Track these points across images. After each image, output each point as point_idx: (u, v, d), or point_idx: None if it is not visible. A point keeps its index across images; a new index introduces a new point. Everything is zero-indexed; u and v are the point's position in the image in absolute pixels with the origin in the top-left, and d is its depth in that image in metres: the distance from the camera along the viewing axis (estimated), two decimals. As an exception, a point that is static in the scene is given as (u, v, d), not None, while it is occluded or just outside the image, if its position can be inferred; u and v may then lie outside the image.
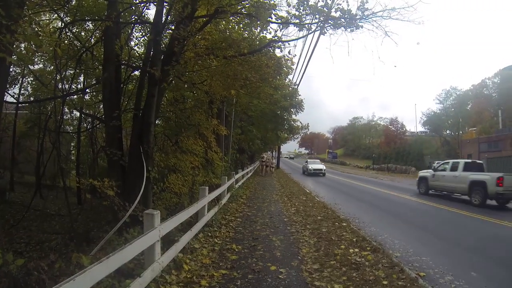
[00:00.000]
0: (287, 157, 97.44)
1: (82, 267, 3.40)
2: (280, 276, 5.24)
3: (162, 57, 7.63)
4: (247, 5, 8.28)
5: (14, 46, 5.24)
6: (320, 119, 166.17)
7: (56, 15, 10.57)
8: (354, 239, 7.61)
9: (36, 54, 11.49)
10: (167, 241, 5.43)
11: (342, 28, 7.86)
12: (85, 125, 16.67)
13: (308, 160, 41.56)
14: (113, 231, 5.48)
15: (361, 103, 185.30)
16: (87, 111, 14.83)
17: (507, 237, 8.83)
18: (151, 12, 32.48)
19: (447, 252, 7.30)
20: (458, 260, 6.66)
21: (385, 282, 5.00)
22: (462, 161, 16.62)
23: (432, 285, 5.18)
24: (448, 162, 17.36)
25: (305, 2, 7.81)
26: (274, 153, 58.13)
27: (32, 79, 16.41)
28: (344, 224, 9.33)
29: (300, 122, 33.41)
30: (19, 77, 16.67)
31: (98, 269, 3.03)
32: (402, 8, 7.67)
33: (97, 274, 3.04)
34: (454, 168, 16.20)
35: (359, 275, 5.32)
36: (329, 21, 7.84)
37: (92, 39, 11.17)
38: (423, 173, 19.62)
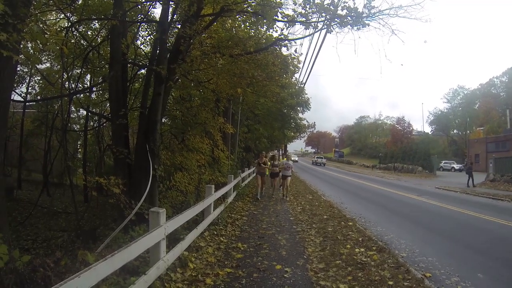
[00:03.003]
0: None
1: (87, 264, 3.41)
2: (285, 275, 5.22)
3: (168, 56, 7.65)
4: (253, 4, 8.24)
5: (21, 45, 5.29)
6: (327, 117, 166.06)
7: (62, 14, 10.62)
8: (360, 239, 7.57)
9: (43, 53, 11.60)
10: (173, 239, 5.45)
11: (349, 26, 7.80)
12: (91, 123, 16.80)
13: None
14: (119, 228, 5.49)
15: (368, 101, 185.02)
16: (94, 110, 14.93)
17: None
18: (157, 11, 32.59)
19: (453, 252, 7.23)
20: (465, 261, 6.59)
21: (390, 283, 4.95)
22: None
23: (438, 286, 5.13)
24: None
25: (311, 0, 7.77)
26: (280, 151, 57.42)
27: (39, 78, 16.58)
28: (350, 223, 9.29)
29: (307, 121, 33.34)
30: (26, 76, 16.86)
31: (103, 266, 3.04)
32: (409, 6, 7.59)
33: (102, 271, 3.05)
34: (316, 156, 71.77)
35: (365, 275, 5.28)
36: (336, 20, 7.78)
37: (99, 38, 11.22)
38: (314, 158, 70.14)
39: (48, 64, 15.31)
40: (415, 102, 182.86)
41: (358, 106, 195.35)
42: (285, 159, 18.10)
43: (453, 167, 47.84)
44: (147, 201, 6.59)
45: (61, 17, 11.60)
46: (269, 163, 15.18)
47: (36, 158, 18.55)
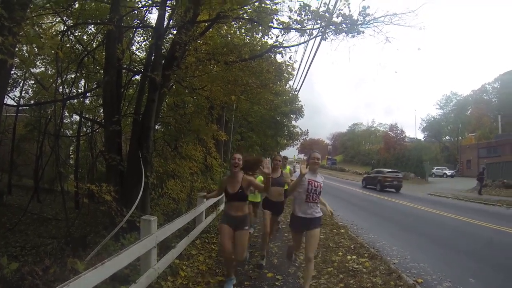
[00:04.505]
0: None
1: (77, 272, 3.38)
2: (276, 283, 5.22)
3: (163, 62, 7.64)
4: (249, 10, 8.28)
5: (16, 48, 5.26)
6: (321, 124, 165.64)
7: (58, 18, 10.60)
8: (352, 246, 7.61)
9: (38, 57, 11.52)
10: (164, 247, 5.41)
11: (344, 33, 7.89)
12: (84, 129, 16.69)
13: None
14: (110, 236, 5.45)
15: (362, 108, 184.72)
16: (87, 115, 14.83)
17: (505, 242, 8.82)
18: (153, 17, 32.62)
19: (445, 258, 7.30)
20: (457, 266, 6.67)
21: (382, 290, 4.97)
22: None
23: (430, 292, 5.17)
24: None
25: (307, 8, 7.83)
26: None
27: (33, 82, 16.45)
28: (342, 230, 9.31)
29: (300, 128, 33.37)
30: (20, 80, 16.69)
31: (93, 274, 3.02)
32: (403, 14, 7.70)
33: (92, 280, 3.02)
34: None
35: (356, 282, 5.31)
36: (331, 27, 7.86)
37: (94, 43, 11.19)
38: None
39: (42, 68, 15.24)
40: (408, 108, 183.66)
41: (352, 113, 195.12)
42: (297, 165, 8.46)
43: (445, 173, 48.28)
44: (138, 209, 6.54)
45: (57, 20, 11.56)
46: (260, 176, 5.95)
47: (27, 163, 18.34)
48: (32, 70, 14.44)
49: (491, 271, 6.39)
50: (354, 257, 6.74)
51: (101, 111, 13.53)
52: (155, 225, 4.48)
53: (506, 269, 6.49)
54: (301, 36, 8.58)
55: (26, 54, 8.56)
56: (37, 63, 13.38)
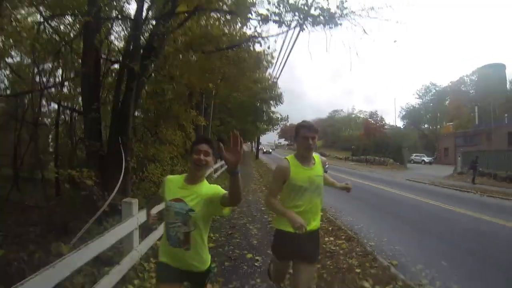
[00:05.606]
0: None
1: (62, 255, 3.49)
2: (256, 264, 5.40)
3: (141, 52, 7.67)
4: (228, 2, 8.38)
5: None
6: (302, 110, 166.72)
7: (35, 8, 10.40)
8: (330, 228, 7.81)
9: (14, 47, 11.32)
10: (146, 229, 5.54)
11: (321, 25, 8.07)
12: (63, 116, 16.44)
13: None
14: (92, 220, 5.55)
15: (342, 96, 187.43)
16: (66, 104, 14.64)
17: (476, 228, 9.09)
18: (132, 7, 31.99)
19: (420, 241, 7.57)
20: (430, 250, 6.89)
21: (358, 270, 5.15)
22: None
23: (404, 273, 5.31)
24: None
25: (285, 0, 7.99)
26: (253, 143, 56.74)
27: (8, 72, 16.05)
28: (321, 213, 9.51)
29: (280, 114, 33.68)
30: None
31: (78, 256, 3.10)
32: (380, 8, 7.93)
33: (76, 262, 3.11)
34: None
35: (333, 263, 5.49)
36: (308, 19, 8.03)
37: (72, 33, 11.03)
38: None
39: (18, 58, 14.89)
40: (388, 97, 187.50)
41: (332, 100, 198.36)
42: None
43: (423, 160, 49.60)
44: (120, 193, 6.64)
45: (33, 11, 11.33)
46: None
47: (6, 153, 17.97)
48: (7, 60, 14.12)
49: (463, 255, 6.61)
50: (331, 239, 6.94)
51: (80, 99, 13.41)
52: (136, 207, 4.58)
53: (476, 254, 6.71)
54: (279, 27, 8.73)
55: (0, 45, 8.44)
56: (13, 53, 13.10)
